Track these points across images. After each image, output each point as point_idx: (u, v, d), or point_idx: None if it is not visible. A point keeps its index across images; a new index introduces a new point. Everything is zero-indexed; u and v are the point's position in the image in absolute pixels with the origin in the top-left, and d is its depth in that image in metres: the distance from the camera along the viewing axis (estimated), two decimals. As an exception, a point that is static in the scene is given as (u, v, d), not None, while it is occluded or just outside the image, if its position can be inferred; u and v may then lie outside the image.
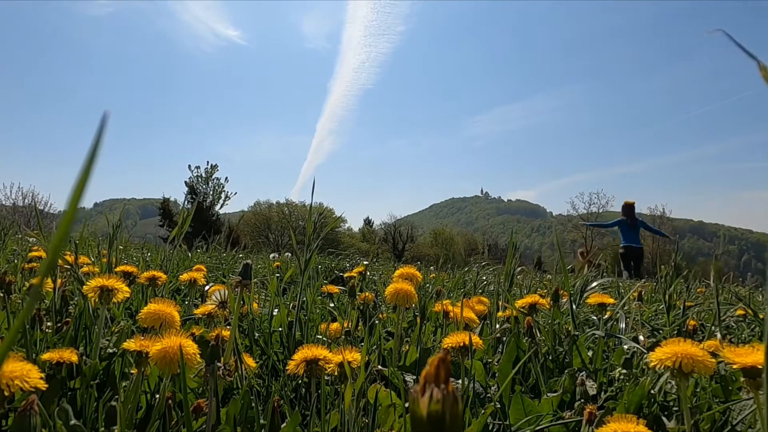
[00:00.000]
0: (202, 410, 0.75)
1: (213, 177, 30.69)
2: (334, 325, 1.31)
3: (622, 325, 1.30)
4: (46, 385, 0.62)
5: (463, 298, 1.69)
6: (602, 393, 0.99)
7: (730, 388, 0.95)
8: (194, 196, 28.99)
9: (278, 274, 2.34)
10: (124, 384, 0.88)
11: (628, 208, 7.01)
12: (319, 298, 1.82)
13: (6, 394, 0.58)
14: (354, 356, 0.79)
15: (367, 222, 48.49)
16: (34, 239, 2.54)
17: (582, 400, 0.89)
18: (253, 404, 0.77)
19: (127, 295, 0.94)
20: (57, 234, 0.20)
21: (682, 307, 1.56)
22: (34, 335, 1.00)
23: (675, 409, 0.91)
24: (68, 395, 0.83)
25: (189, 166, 29.95)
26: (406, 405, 0.84)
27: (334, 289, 1.86)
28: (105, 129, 0.20)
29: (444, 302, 1.56)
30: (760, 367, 0.76)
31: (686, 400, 0.75)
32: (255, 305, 1.50)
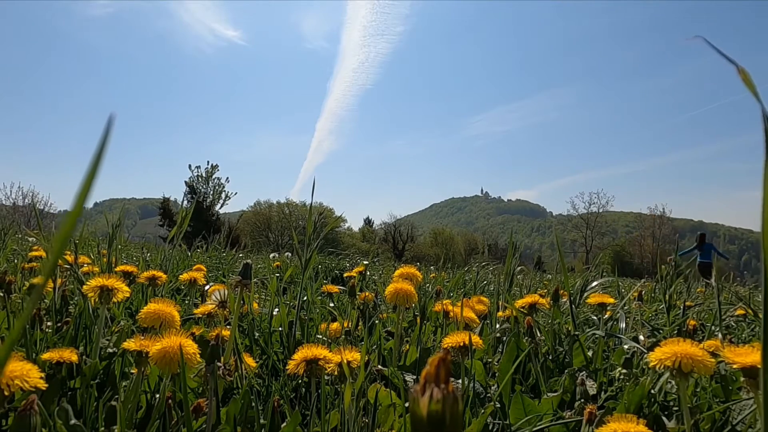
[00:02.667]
0: (202, 410, 0.75)
1: (213, 177, 30.71)
2: (334, 325, 1.31)
3: (622, 325, 1.30)
4: (46, 385, 0.62)
5: (463, 298, 1.69)
6: (602, 393, 0.99)
7: (731, 387, 0.95)
8: (194, 196, 29.00)
9: (278, 274, 2.34)
10: (124, 384, 0.88)
11: (701, 237, 10.34)
12: (319, 297, 1.82)
13: (6, 393, 0.58)
14: (354, 356, 0.79)
15: (367, 222, 48.49)
16: (34, 239, 2.54)
17: (582, 400, 0.89)
18: (253, 404, 0.77)
19: (127, 295, 0.94)
20: (59, 236, 0.20)
21: (682, 307, 1.56)
22: (34, 335, 1.00)
23: (675, 408, 0.91)
24: (68, 395, 0.83)
25: (189, 165, 29.99)
26: (406, 405, 0.84)
27: (334, 288, 1.86)
28: (111, 132, 0.20)
29: (444, 302, 1.56)
30: (759, 366, 0.76)
31: (686, 399, 0.75)
32: (255, 305, 1.50)
